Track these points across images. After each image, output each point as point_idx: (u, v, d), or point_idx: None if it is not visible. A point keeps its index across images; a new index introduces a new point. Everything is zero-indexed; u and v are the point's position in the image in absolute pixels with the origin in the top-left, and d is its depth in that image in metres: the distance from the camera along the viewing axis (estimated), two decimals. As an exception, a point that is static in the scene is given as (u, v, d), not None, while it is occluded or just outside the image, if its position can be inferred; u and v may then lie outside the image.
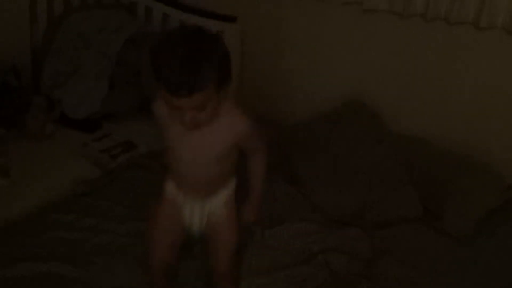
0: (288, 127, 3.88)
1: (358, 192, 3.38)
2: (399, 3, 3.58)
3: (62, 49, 4.22)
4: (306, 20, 4.00)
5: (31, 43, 4.48)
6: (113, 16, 4.25)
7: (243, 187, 2.59)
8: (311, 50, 4.06)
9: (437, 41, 3.63)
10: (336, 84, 3.99)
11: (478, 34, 3.47)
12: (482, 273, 3.00)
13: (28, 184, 3.38)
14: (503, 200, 3.38)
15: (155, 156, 3.61)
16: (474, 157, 3.55)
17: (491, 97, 3.56)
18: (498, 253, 3.12)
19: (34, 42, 4.49)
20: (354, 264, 2.98)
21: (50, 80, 4.18)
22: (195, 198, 2.50)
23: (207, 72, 2.07)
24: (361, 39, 3.87)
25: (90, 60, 4.09)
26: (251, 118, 2.35)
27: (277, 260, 2.97)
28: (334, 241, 3.10)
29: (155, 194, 3.23)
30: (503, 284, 3.00)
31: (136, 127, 4.02)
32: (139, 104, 4.11)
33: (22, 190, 3.34)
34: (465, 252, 3.12)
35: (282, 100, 4.21)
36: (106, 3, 4.49)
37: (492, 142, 3.61)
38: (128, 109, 4.11)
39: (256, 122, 2.37)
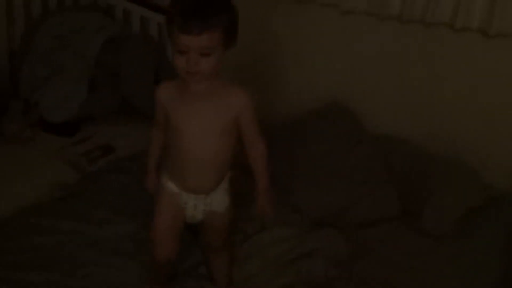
0: (268, 128, 3.87)
1: (337, 192, 3.40)
2: (376, 4, 3.61)
3: (39, 52, 4.22)
4: (288, 22, 4.02)
5: (8, 46, 4.47)
6: (91, 18, 4.26)
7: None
8: (291, 52, 4.08)
9: (415, 42, 3.67)
10: (316, 85, 4.02)
11: (454, 35, 3.51)
12: (461, 272, 3.04)
13: (5, 188, 3.39)
14: (482, 199, 3.42)
15: (135, 159, 3.63)
16: (453, 157, 3.59)
17: (470, 97, 3.60)
18: (477, 252, 3.16)
19: (12, 45, 4.48)
20: (332, 267, 3.02)
21: (28, 83, 4.19)
22: (198, 194, 2.63)
23: (218, 16, 2.30)
24: (341, 41, 3.89)
25: (68, 63, 4.10)
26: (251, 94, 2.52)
27: (254, 269, 3.03)
28: (312, 245, 3.13)
29: (134, 198, 3.31)
30: (482, 283, 3.04)
31: (116, 130, 4.02)
32: (118, 107, 4.11)
33: (-1, 194, 3.36)
34: (444, 252, 3.16)
35: (263, 101, 4.18)
36: (83, 6, 4.49)
37: (470, 142, 3.63)
38: (107, 112, 4.10)
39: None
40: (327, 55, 3.96)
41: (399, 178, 3.52)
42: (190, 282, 2.91)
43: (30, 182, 3.46)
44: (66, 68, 4.09)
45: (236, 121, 2.52)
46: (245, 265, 3.02)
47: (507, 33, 3.37)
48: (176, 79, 2.51)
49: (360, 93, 3.89)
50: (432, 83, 3.69)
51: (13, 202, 3.28)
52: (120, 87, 4.07)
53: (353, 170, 3.49)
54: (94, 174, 3.58)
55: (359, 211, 3.38)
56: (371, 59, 3.83)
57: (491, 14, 3.34)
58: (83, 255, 2.93)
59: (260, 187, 2.69)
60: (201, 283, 2.91)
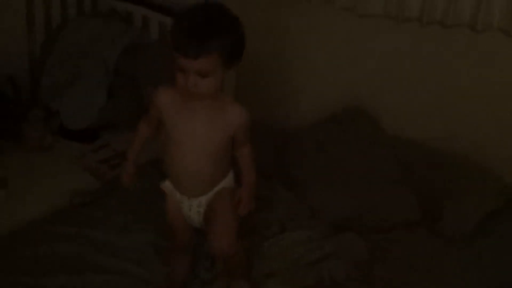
0: (286, 132, 3.92)
1: (355, 196, 3.40)
2: (393, 7, 3.61)
3: (59, 60, 4.26)
4: (305, 25, 4.03)
5: (28, 54, 4.52)
6: (110, 25, 4.28)
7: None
8: (309, 55, 4.08)
9: (434, 44, 3.67)
10: (334, 89, 4.03)
11: (474, 37, 3.49)
12: (481, 275, 3.03)
13: (26, 195, 3.44)
14: (502, 201, 3.40)
15: (155, 164, 3.62)
16: (473, 159, 3.58)
17: (488, 99, 3.58)
18: (497, 255, 3.15)
19: (32, 52, 4.52)
20: (352, 269, 3.03)
21: (48, 91, 4.23)
22: (192, 198, 2.69)
23: (216, 40, 2.32)
24: (359, 44, 3.90)
25: (87, 70, 4.13)
26: (249, 113, 2.60)
27: (275, 269, 3.04)
28: (331, 248, 3.14)
29: (154, 203, 3.34)
30: (502, 285, 3.04)
31: (135, 137, 4.06)
32: (137, 114, 3.99)
33: (19, 201, 3.39)
34: (464, 255, 3.15)
35: (280, 104, 4.24)
36: (102, 13, 4.51)
37: (491, 143, 3.62)
38: (126, 118, 4.05)
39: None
40: (345, 58, 3.96)
41: (418, 180, 3.51)
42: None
43: (50, 189, 3.49)
44: (85, 75, 4.13)
45: (231, 137, 2.60)
46: (264, 266, 3.04)
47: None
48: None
49: (379, 96, 3.89)
50: (451, 84, 3.68)
51: (34, 209, 3.30)
52: (139, 94, 4.08)
53: (371, 173, 3.49)
54: (114, 181, 3.53)
55: (378, 215, 3.38)
56: (389, 61, 3.83)
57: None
58: (103, 262, 2.95)
59: (245, 180, 2.71)
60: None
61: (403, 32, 3.71)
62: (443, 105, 3.74)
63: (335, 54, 4.00)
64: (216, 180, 2.69)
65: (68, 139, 4.01)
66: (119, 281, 2.87)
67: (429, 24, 3.57)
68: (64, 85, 4.19)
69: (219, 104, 2.54)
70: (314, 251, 3.13)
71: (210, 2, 2.47)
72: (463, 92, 3.65)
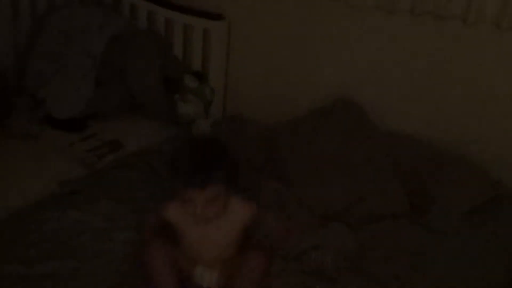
0: (275, 125, 3.93)
1: (345, 188, 3.43)
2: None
3: (45, 48, 4.24)
4: (294, 18, 4.03)
5: (14, 42, 4.47)
6: (96, 14, 4.25)
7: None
8: (299, 48, 4.08)
9: (425, 36, 3.68)
10: (325, 81, 4.03)
11: (466, 29, 3.50)
12: (467, 266, 3.07)
13: (14, 183, 3.44)
14: (489, 196, 3.43)
15: (142, 154, 3.71)
16: (461, 154, 3.61)
17: (479, 93, 3.60)
18: (483, 247, 3.18)
19: (17, 40, 4.47)
20: (341, 260, 3.07)
21: (34, 79, 4.22)
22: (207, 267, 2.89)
23: (218, 172, 2.57)
24: (350, 36, 3.90)
25: (74, 59, 4.14)
26: (254, 203, 2.86)
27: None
28: (320, 239, 3.18)
29: (140, 192, 3.38)
30: (487, 278, 3.07)
31: (123, 126, 4.07)
32: (125, 103, 4.14)
33: (7, 190, 3.39)
34: (450, 247, 3.17)
35: (270, 98, 4.26)
36: (90, 1, 4.48)
37: (479, 138, 3.65)
38: (114, 108, 4.13)
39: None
40: (336, 51, 3.96)
41: (407, 174, 3.54)
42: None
43: (38, 178, 3.51)
44: (72, 64, 4.14)
45: (242, 229, 2.84)
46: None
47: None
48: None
49: (368, 89, 3.90)
50: (442, 78, 3.70)
51: (22, 197, 3.34)
52: (126, 84, 4.11)
53: (361, 166, 3.52)
54: (102, 169, 3.64)
55: (367, 207, 3.40)
56: (378, 56, 3.84)
57: (505, 5, 3.34)
58: (91, 246, 3.02)
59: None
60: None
61: (395, 24, 3.73)
62: (432, 100, 3.76)
63: (324, 47, 4.01)
64: (230, 257, 2.89)
65: (55, 128, 4.02)
66: (107, 263, 2.93)
67: (420, 15, 3.59)
68: (50, 74, 4.19)
69: (226, 207, 2.74)
70: (302, 241, 3.17)
71: (204, 138, 3.01)
72: (456, 86, 3.68)
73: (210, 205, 2.61)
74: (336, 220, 3.35)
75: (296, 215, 3.36)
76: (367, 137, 3.69)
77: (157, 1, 4.31)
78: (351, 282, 2.97)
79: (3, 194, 3.38)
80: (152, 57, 4.15)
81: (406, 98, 3.84)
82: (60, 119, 4.06)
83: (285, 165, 3.61)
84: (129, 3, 4.42)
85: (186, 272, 2.88)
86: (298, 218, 3.34)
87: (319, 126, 3.74)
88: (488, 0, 3.39)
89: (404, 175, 3.56)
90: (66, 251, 2.97)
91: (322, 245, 3.16)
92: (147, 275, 2.82)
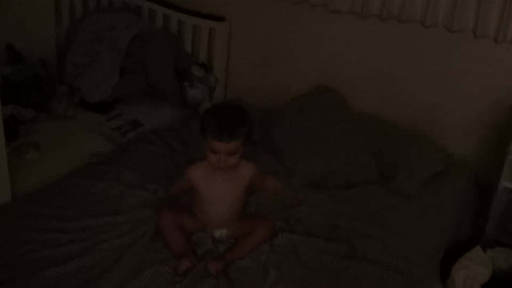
0: (268, 108, 3.92)
1: (327, 160, 3.42)
2: (358, 4, 3.64)
3: (80, 45, 4.28)
4: (284, 19, 4.02)
5: (56, 41, 4.63)
6: (122, 17, 4.30)
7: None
8: (288, 44, 4.07)
9: (390, 37, 3.69)
10: (309, 71, 4.03)
11: (424, 31, 3.54)
12: (427, 224, 3.08)
13: (54, 155, 3.48)
14: (443, 165, 3.46)
15: (158, 132, 3.68)
16: (421, 131, 3.64)
17: (432, 80, 3.64)
18: (439, 208, 3.20)
19: (58, 39, 4.63)
20: (322, 221, 3.06)
21: (71, 71, 4.25)
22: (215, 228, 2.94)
23: (240, 129, 2.73)
24: (330, 35, 3.90)
25: (103, 54, 4.16)
26: (255, 165, 2.96)
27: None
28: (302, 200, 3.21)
29: (157, 163, 3.35)
30: (443, 232, 3.11)
31: (142, 108, 4.09)
32: (144, 89, 4.14)
33: (49, 160, 3.44)
34: (413, 208, 3.18)
35: (263, 85, 4.25)
36: (116, 7, 4.53)
37: (434, 119, 3.69)
38: (135, 93, 4.14)
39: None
40: (319, 47, 3.96)
41: (377, 148, 3.54)
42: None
43: (74, 151, 3.54)
44: (101, 58, 4.16)
45: (247, 185, 2.96)
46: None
47: (467, 28, 3.41)
48: (203, 160, 2.86)
49: (344, 78, 3.89)
50: (404, 70, 3.72)
51: (60, 167, 3.37)
52: (146, 73, 4.10)
53: (339, 142, 3.50)
54: (125, 144, 3.65)
55: (345, 176, 3.39)
56: (354, 50, 3.85)
57: (453, 11, 3.39)
58: (114, 207, 3.00)
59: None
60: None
61: (364, 27, 3.75)
62: (396, 87, 3.77)
63: (310, 44, 4.00)
64: (236, 217, 2.95)
65: (88, 110, 4.04)
66: (126, 221, 2.91)
67: (386, 19, 3.61)
68: (84, 66, 4.21)
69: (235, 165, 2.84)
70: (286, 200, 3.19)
71: (228, 103, 3.22)
72: (413, 74, 3.70)
73: (230, 157, 2.74)
74: (317, 187, 3.34)
75: (287, 181, 3.33)
76: (343, 117, 3.68)
77: (171, 6, 4.33)
78: (328, 237, 2.95)
79: (46, 165, 3.41)
80: (167, 51, 4.15)
81: (375, 85, 3.85)
82: (92, 102, 4.08)
83: (276, 141, 3.59)
84: (148, 8, 4.44)
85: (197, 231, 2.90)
86: (289, 184, 3.31)
87: (303, 109, 3.72)
88: (440, 7, 3.45)
89: (374, 149, 3.55)
90: (99, 210, 2.96)
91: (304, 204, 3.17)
92: (162, 236, 2.82)
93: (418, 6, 3.50)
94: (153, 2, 4.39)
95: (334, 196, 3.26)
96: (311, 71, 4.03)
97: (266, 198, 3.15)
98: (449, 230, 3.18)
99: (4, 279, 2.48)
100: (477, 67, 3.50)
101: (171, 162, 3.40)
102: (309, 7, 3.86)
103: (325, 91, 3.87)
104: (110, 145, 3.66)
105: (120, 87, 4.08)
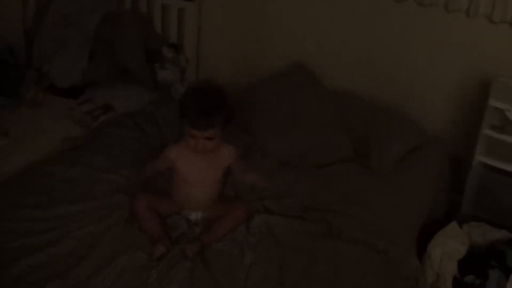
0: (244, 88, 3.90)
1: (301, 139, 3.42)
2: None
3: (48, 29, 4.23)
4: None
5: (22, 25, 4.51)
6: (90, -1, 4.26)
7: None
8: (259, 22, 4.06)
9: (362, 13, 3.70)
10: (281, 50, 4.02)
11: (396, 6, 3.56)
12: (400, 201, 3.12)
13: (25, 142, 3.46)
14: (417, 142, 3.49)
15: (130, 115, 3.65)
16: (395, 107, 3.65)
17: (406, 56, 3.67)
18: (413, 185, 3.24)
19: (26, 24, 4.51)
20: (297, 201, 3.07)
21: (39, 56, 4.22)
22: (192, 211, 2.95)
23: (218, 117, 2.76)
24: (303, 14, 3.90)
25: (71, 37, 4.12)
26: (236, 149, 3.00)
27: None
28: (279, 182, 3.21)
29: (129, 147, 3.33)
30: (418, 210, 3.16)
31: (113, 92, 4.00)
32: (114, 72, 4.12)
33: (20, 147, 3.41)
34: (388, 186, 3.21)
35: (235, 64, 4.25)
36: None
37: (408, 96, 3.71)
38: (105, 77, 4.10)
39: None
40: (292, 24, 3.96)
41: (352, 126, 3.55)
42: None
43: (45, 137, 3.52)
44: (70, 42, 4.12)
45: (226, 168, 2.98)
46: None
47: (439, 3, 3.42)
48: (183, 141, 2.87)
49: (318, 56, 3.91)
50: (378, 46, 3.73)
51: (32, 154, 3.33)
52: (115, 56, 4.08)
53: (314, 121, 3.51)
54: (97, 128, 3.60)
55: (319, 155, 3.39)
56: (328, 29, 3.86)
57: None
58: (92, 191, 2.99)
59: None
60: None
61: (339, 6, 3.77)
62: (370, 65, 3.79)
63: (283, 23, 4.00)
64: (214, 199, 2.97)
65: (58, 95, 4.00)
66: (100, 207, 2.90)
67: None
68: (53, 50, 4.17)
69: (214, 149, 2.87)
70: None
71: (207, 87, 2.98)
72: (388, 51, 3.72)
73: (208, 141, 2.78)
74: (291, 166, 3.34)
75: (261, 161, 3.34)
76: (316, 95, 3.69)
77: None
78: (304, 216, 2.97)
79: (15, 151, 3.39)
80: (136, 32, 4.11)
81: (349, 63, 3.86)
82: (62, 87, 4.05)
83: (249, 121, 3.57)
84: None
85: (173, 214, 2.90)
86: (262, 164, 3.31)
87: (276, 88, 3.71)
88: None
89: (348, 126, 3.56)
90: (73, 196, 2.94)
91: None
92: (137, 220, 2.82)
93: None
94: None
95: (309, 175, 3.27)
96: (285, 50, 4.02)
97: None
98: (425, 207, 3.22)
99: (-22, 270, 2.47)
100: (450, 42, 3.52)
101: (144, 146, 3.39)
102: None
103: (298, 68, 3.89)
104: (82, 130, 3.63)
105: (90, 71, 4.06)
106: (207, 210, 2.91)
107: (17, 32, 4.47)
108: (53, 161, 3.21)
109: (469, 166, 3.35)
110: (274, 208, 3.00)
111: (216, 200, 2.96)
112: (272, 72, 3.88)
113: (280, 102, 3.61)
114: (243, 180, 3.11)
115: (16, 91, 3.90)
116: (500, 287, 2.81)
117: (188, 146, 2.82)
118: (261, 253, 2.70)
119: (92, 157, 3.22)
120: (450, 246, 2.88)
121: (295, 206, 3.03)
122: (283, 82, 3.76)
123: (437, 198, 3.39)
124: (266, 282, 2.58)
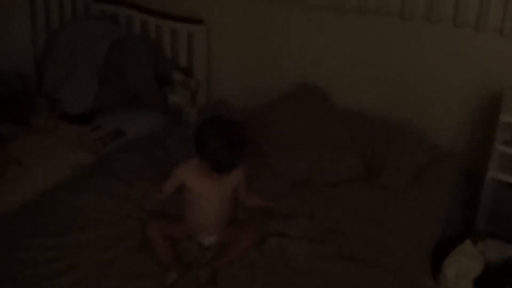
0: (251, 109, 3.92)
1: (313, 159, 3.39)
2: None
3: (58, 56, 4.28)
4: (261, 19, 4.03)
5: (33, 53, 4.59)
6: (99, 25, 4.29)
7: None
8: (267, 43, 4.07)
9: (370, 31, 3.70)
10: (290, 70, 4.03)
11: (403, 23, 3.56)
12: (413, 219, 3.09)
13: (37, 170, 3.47)
14: (429, 159, 3.47)
15: (140, 140, 3.68)
16: (406, 124, 3.64)
17: (416, 73, 3.65)
18: (427, 203, 3.22)
19: (36, 51, 4.60)
20: (309, 223, 3.04)
21: (50, 83, 4.26)
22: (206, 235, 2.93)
23: (240, 159, 2.78)
24: (308, 32, 3.90)
25: (81, 64, 4.15)
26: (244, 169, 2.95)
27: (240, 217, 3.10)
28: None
29: (140, 172, 3.33)
30: (433, 228, 3.12)
31: (124, 117, 4.03)
32: (124, 97, 4.14)
33: (32, 177, 3.42)
34: (400, 204, 3.19)
35: (246, 86, 4.26)
36: (93, 15, 4.50)
37: (419, 113, 3.70)
38: (115, 102, 4.13)
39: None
40: (300, 44, 3.96)
41: (363, 145, 3.53)
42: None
43: (55, 165, 3.53)
44: (80, 69, 4.16)
45: (235, 188, 2.95)
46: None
47: (447, 18, 3.43)
48: (194, 160, 2.83)
49: (327, 74, 3.91)
50: (387, 64, 3.72)
51: (43, 183, 3.34)
52: (125, 81, 4.10)
53: (324, 139, 3.49)
54: (107, 155, 3.61)
55: (331, 174, 3.38)
56: (334, 47, 3.86)
57: (432, 1, 3.42)
58: (104, 218, 3.00)
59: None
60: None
61: (343, 21, 3.75)
62: (383, 81, 3.78)
63: (290, 43, 4.00)
64: (226, 222, 2.95)
65: (69, 122, 4.03)
66: (110, 234, 2.90)
67: (365, 13, 3.63)
68: (63, 77, 4.21)
69: None
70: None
71: (229, 124, 2.83)
72: (399, 69, 3.71)
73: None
74: (303, 187, 3.32)
75: (271, 183, 3.32)
76: (326, 115, 3.69)
77: (148, 11, 4.32)
78: (316, 238, 2.95)
79: (28, 179, 3.41)
80: (146, 57, 4.14)
81: (358, 81, 3.86)
82: (72, 114, 4.07)
83: (260, 143, 3.56)
84: (125, 14, 4.41)
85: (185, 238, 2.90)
86: (272, 186, 3.30)
87: (286, 109, 3.72)
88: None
89: (360, 146, 3.54)
90: (83, 224, 2.94)
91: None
92: (150, 246, 2.82)
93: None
94: (130, 8, 4.37)
95: (321, 195, 3.26)
96: (294, 70, 4.03)
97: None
98: (439, 224, 3.18)
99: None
100: (459, 57, 3.51)
101: (154, 172, 3.37)
102: (287, 5, 3.87)
103: (307, 89, 3.89)
104: (92, 156, 3.65)
105: (101, 97, 4.08)
106: (222, 234, 2.90)
107: (27, 60, 4.55)
108: (64, 189, 3.22)
109: (482, 182, 3.32)
110: (286, 230, 2.98)
111: (229, 222, 2.95)
112: (282, 93, 3.89)
113: (290, 123, 3.61)
114: (244, 204, 3.08)
115: (27, 119, 3.93)
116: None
117: (198, 165, 2.81)
118: (273, 277, 2.69)
119: (102, 184, 3.23)
120: (465, 265, 2.86)
121: (307, 227, 3.01)
122: (293, 102, 3.76)
123: (451, 214, 3.35)
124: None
